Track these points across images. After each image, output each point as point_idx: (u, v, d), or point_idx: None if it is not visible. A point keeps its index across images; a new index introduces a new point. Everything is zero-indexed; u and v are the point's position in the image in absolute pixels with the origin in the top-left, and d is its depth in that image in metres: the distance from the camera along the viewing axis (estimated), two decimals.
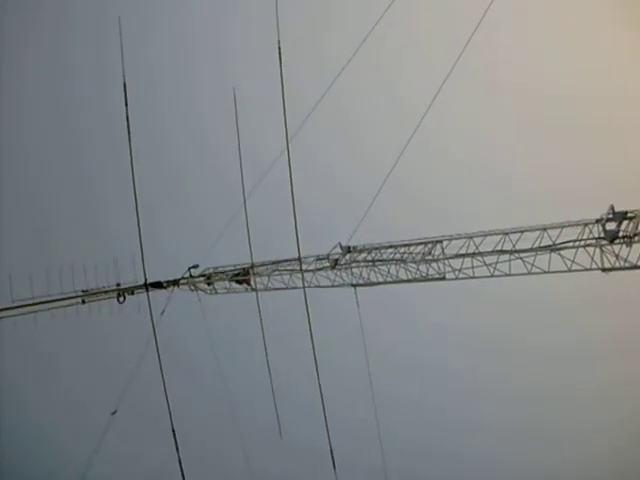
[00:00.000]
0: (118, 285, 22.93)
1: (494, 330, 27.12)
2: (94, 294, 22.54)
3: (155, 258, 23.22)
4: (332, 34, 26.82)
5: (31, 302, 21.27)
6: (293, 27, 20.76)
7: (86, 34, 29.39)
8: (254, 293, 23.00)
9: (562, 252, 17.66)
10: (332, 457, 21.28)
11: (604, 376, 25.62)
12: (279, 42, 20.44)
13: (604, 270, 17.22)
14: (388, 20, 20.45)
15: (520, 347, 26.93)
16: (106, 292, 22.58)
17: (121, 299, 22.72)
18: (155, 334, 21.35)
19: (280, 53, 20.48)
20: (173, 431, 21.18)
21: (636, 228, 16.74)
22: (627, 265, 16.91)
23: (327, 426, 20.47)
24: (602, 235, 17.14)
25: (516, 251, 18.27)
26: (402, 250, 20.51)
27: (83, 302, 22.32)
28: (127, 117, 21.68)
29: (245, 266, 23.24)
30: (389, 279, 20.54)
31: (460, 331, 27.37)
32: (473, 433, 27.52)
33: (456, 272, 19.35)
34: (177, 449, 21.02)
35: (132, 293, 23.06)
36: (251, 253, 23.04)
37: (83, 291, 22.66)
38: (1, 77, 27.52)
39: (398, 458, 23.25)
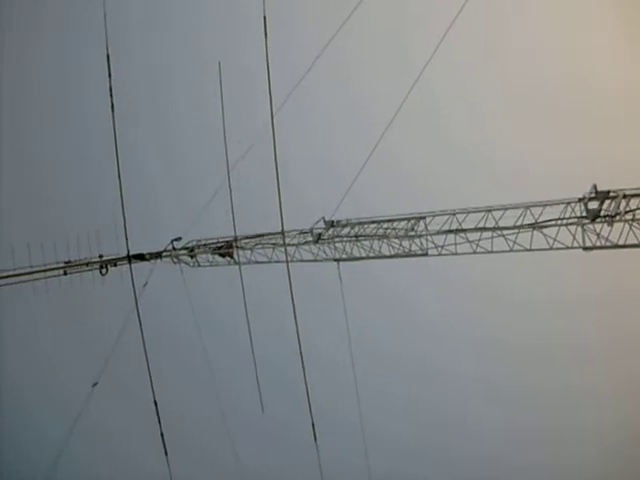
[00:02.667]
0: (101, 257, 22.84)
1: (477, 313, 27.27)
2: (77, 265, 22.43)
3: (138, 230, 23.11)
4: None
5: (13, 273, 21.16)
6: None
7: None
8: (237, 266, 22.98)
9: (544, 230, 17.72)
10: (313, 429, 21.49)
11: (594, 371, 25.79)
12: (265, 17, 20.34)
13: (585, 249, 17.29)
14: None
15: (508, 338, 27.07)
16: (88, 264, 22.44)
17: (104, 271, 22.63)
18: (137, 306, 21.30)
19: (265, 25, 20.37)
20: (155, 403, 21.26)
21: (618, 207, 16.78)
22: (608, 244, 16.98)
23: (309, 399, 20.61)
24: (584, 214, 17.19)
25: (499, 228, 18.31)
26: (385, 226, 20.51)
27: (65, 273, 22.21)
28: (110, 88, 21.47)
29: (228, 239, 23.17)
30: (372, 254, 20.56)
31: (441, 308, 27.49)
32: (458, 423, 27.83)
33: (439, 248, 19.39)
34: (159, 422, 21.12)
35: (115, 265, 22.95)
36: (234, 226, 22.96)
37: (65, 262, 22.58)
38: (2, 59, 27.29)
39: (379, 445, 23.53)
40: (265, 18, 20.42)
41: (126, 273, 22.58)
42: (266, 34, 20.38)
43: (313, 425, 21.45)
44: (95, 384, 21.45)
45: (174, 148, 30.11)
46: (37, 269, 21.28)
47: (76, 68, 29.03)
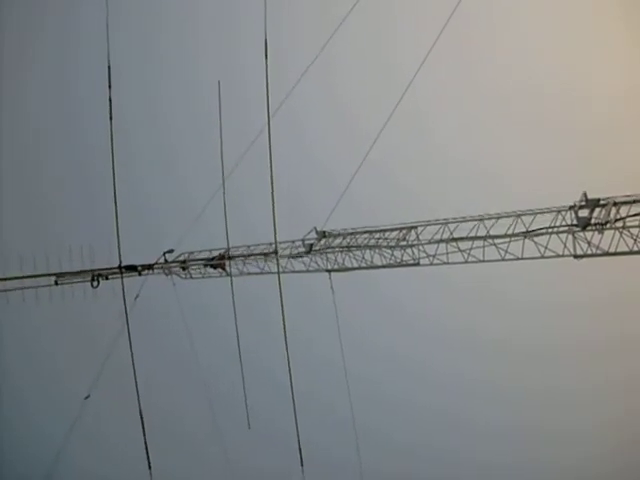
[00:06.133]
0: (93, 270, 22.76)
1: (470, 319, 27.26)
2: (68, 273, 22.34)
3: (131, 244, 23.07)
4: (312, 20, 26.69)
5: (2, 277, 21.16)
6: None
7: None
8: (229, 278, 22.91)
9: (535, 239, 17.74)
10: (300, 455, 21.25)
11: (588, 373, 25.79)
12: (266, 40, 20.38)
13: (576, 257, 17.31)
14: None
15: (497, 337, 27.07)
16: (80, 273, 22.34)
17: (95, 284, 22.52)
18: (127, 318, 21.24)
19: (266, 47, 20.41)
20: (141, 415, 21.17)
21: (608, 215, 16.80)
22: (599, 252, 17.00)
23: (295, 412, 20.49)
24: (574, 222, 17.22)
25: (490, 237, 18.31)
26: (377, 236, 20.50)
27: (56, 283, 22.12)
28: (110, 99, 21.46)
29: (220, 251, 23.11)
30: (364, 265, 20.54)
31: (434, 318, 27.50)
32: (440, 420, 27.80)
33: (430, 258, 19.38)
34: (144, 434, 21.03)
35: (107, 278, 22.83)
36: (227, 237, 22.91)
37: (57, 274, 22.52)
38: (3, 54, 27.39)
39: (369, 443, 23.41)
40: (266, 41, 20.48)
41: (117, 286, 22.51)
42: (266, 56, 20.45)
43: (300, 450, 21.18)
44: (87, 397, 21.36)
45: (169, 160, 30.19)
46: (28, 275, 21.30)
47: (74, 78, 29.19)
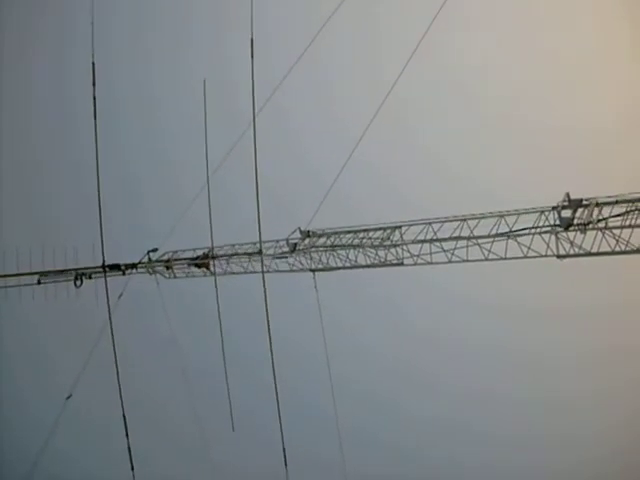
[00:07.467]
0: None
1: (455, 319, 27.34)
2: (52, 272, 22.27)
3: (115, 243, 22.99)
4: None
5: None
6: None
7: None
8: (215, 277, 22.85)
9: (519, 239, 17.80)
10: (284, 455, 21.24)
11: (577, 377, 25.89)
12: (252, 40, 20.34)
13: (559, 257, 17.40)
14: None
15: (483, 336, 27.17)
16: (63, 272, 22.25)
17: (78, 282, 22.44)
18: (110, 317, 21.15)
19: (252, 46, 20.37)
20: (124, 417, 21.09)
21: (590, 216, 16.91)
22: (581, 252, 17.09)
23: (279, 412, 20.46)
24: (557, 222, 17.30)
25: (474, 237, 18.38)
26: (361, 235, 20.52)
27: (39, 282, 22.03)
28: (94, 98, 21.33)
29: (204, 250, 23.06)
30: (348, 264, 20.57)
31: (418, 318, 27.57)
32: (425, 421, 27.85)
33: (414, 258, 19.43)
34: (127, 436, 20.95)
35: (90, 277, 22.75)
36: (212, 237, 22.85)
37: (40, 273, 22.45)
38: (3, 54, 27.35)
39: (353, 444, 23.46)
40: (252, 40, 20.43)
41: (101, 285, 22.41)
42: (252, 55, 20.42)
43: (284, 450, 21.10)
44: (69, 397, 21.26)
45: (155, 159, 30.13)
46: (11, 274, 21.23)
47: (67, 76, 29.13)
